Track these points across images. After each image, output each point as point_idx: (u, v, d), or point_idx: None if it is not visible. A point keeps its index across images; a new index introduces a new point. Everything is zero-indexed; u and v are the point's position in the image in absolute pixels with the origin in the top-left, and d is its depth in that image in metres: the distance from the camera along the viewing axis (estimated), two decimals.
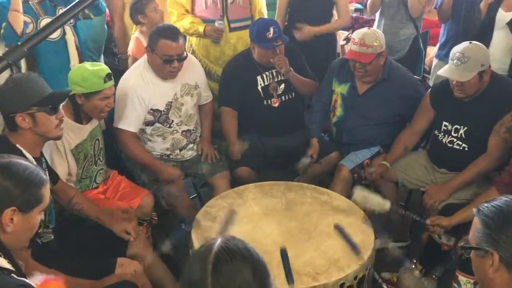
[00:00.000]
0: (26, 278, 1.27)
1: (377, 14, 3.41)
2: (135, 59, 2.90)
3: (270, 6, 3.33)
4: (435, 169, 2.58)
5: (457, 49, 2.28)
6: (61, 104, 2.00)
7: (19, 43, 1.83)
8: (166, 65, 2.47)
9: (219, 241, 1.08)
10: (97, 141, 2.38)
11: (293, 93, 2.91)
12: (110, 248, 2.07)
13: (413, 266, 2.49)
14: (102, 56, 3.68)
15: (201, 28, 2.91)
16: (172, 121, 2.64)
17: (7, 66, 1.76)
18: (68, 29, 2.67)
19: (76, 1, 1.35)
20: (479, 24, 2.92)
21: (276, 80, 2.86)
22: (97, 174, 2.41)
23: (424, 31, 3.69)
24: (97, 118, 2.33)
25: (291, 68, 2.78)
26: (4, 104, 1.86)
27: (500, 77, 2.42)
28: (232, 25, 3.00)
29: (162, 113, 2.60)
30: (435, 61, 3.40)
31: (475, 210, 1.25)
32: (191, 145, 2.77)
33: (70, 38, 2.67)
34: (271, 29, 2.67)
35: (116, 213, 2.21)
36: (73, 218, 2.17)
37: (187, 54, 2.60)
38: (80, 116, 2.26)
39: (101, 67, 2.22)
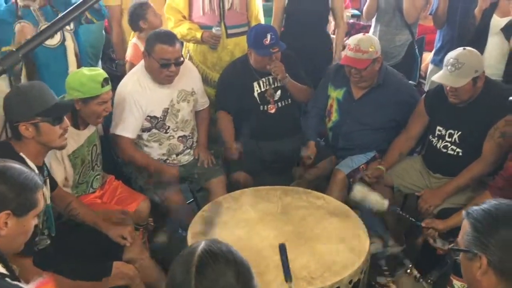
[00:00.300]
0: (20, 282, 1.28)
1: (373, 20, 3.44)
2: (132, 65, 2.91)
3: (267, 12, 3.36)
4: (430, 174, 2.60)
5: (451, 55, 2.30)
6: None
7: (13, 49, 1.83)
8: (163, 69, 2.49)
9: (202, 244, 1.10)
10: (94, 147, 2.40)
11: (289, 99, 2.93)
12: (106, 253, 2.08)
13: (409, 270, 2.50)
14: (100, 62, 3.70)
15: (198, 34, 2.94)
16: (169, 127, 2.66)
17: (1, 72, 1.76)
18: (68, 35, 2.68)
19: (71, 7, 1.36)
20: (474, 30, 2.95)
21: (272, 86, 2.88)
22: (94, 179, 2.43)
23: (420, 37, 3.72)
24: (94, 124, 2.34)
25: (287, 75, 2.80)
26: (8, 113, 1.88)
27: (494, 83, 2.45)
28: (230, 31, 3.02)
29: (159, 119, 2.62)
30: (430, 66, 3.43)
31: (464, 213, 1.26)
32: (187, 150, 2.78)
33: (70, 44, 2.68)
34: (268, 36, 2.69)
35: (113, 217, 2.22)
36: (70, 223, 2.17)
37: (183, 59, 2.62)
38: (77, 122, 2.27)
39: (99, 72, 2.23)
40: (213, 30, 2.90)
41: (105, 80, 2.22)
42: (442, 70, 2.34)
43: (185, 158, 2.78)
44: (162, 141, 2.68)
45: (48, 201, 1.94)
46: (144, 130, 2.63)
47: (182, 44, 3.11)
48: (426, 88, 3.40)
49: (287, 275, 1.83)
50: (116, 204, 2.41)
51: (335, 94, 2.79)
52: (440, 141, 2.49)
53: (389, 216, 2.67)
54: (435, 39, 3.45)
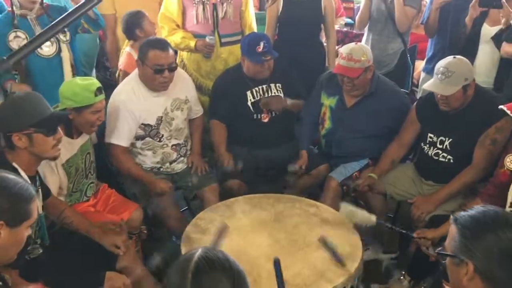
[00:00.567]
0: None
1: (366, 29, 3.47)
2: (126, 74, 2.92)
3: (260, 20, 3.39)
4: (422, 181, 2.62)
5: (441, 64, 2.33)
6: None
7: (4, 57, 1.82)
8: (157, 76, 2.50)
9: (199, 251, 1.10)
10: (88, 155, 2.40)
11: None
12: (99, 262, 2.07)
13: (402, 277, 2.51)
14: (94, 70, 3.71)
15: (192, 43, 2.96)
16: (162, 135, 2.66)
17: None
18: (64, 46, 2.68)
19: (62, 16, 1.36)
20: (465, 38, 2.97)
21: (266, 95, 2.89)
22: (88, 187, 2.42)
23: (412, 45, 3.76)
24: (88, 132, 2.34)
25: (285, 100, 2.85)
26: (2, 123, 1.86)
27: (485, 91, 2.48)
28: (223, 40, 3.05)
29: (153, 127, 2.63)
30: (422, 74, 3.45)
31: (452, 218, 1.26)
32: (181, 158, 2.79)
33: (66, 55, 2.68)
34: (262, 44, 2.71)
35: (107, 226, 2.22)
36: (63, 232, 2.17)
37: (177, 65, 2.63)
38: (71, 131, 2.28)
39: (92, 81, 2.24)
40: (207, 39, 2.92)
41: (98, 89, 2.22)
42: (433, 79, 2.36)
43: (179, 166, 2.79)
44: (156, 149, 2.68)
45: (40, 211, 1.93)
46: (138, 138, 2.64)
47: (176, 52, 3.14)
48: (418, 96, 3.42)
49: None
50: (109, 213, 2.41)
51: (328, 102, 2.81)
52: (432, 148, 2.51)
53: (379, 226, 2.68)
54: (427, 47, 3.49)
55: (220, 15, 2.98)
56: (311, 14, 3.20)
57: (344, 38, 4.35)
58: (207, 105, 3.02)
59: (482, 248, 1.15)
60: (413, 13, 3.27)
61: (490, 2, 2.83)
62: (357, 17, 3.50)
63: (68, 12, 1.35)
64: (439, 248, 1.31)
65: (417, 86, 3.75)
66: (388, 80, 2.82)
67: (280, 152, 2.94)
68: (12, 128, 1.83)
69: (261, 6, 4.47)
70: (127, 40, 3.20)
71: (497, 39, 2.83)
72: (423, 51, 3.69)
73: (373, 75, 2.68)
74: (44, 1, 2.63)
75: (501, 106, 1.93)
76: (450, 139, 2.43)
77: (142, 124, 2.60)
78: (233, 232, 2.19)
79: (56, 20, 1.29)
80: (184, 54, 3.14)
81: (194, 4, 2.95)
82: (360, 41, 3.47)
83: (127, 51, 3.12)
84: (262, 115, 2.90)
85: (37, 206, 1.45)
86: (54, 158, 1.98)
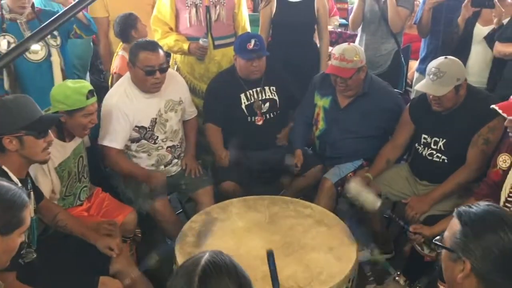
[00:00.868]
0: None
1: (359, 30, 3.48)
2: (120, 77, 2.91)
3: (254, 22, 3.39)
4: (417, 181, 2.62)
5: (433, 64, 2.33)
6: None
7: None
8: (149, 77, 2.49)
9: (207, 255, 1.10)
10: (80, 158, 2.39)
11: (278, 111, 2.95)
12: (93, 265, 2.06)
13: (397, 277, 2.51)
14: (88, 73, 3.70)
15: (185, 46, 2.95)
16: (157, 137, 2.66)
17: None
18: (54, 51, 2.67)
19: (50, 20, 1.35)
20: (458, 38, 2.99)
21: (260, 98, 2.89)
22: (81, 191, 2.42)
23: (406, 45, 3.77)
24: (80, 136, 2.33)
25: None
26: None
27: (477, 90, 2.48)
28: (217, 42, 3.05)
29: (148, 129, 2.62)
30: (416, 74, 3.46)
31: (456, 212, 1.23)
32: (175, 161, 2.78)
33: (56, 60, 2.67)
34: (253, 41, 2.72)
35: (101, 227, 2.21)
36: (56, 236, 2.16)
37: (168, 66, 2.62)
38: (63, 134, 2.27)
39: (83, 84, 2.23)
40: (200, 42, 2.92)
41: (90, 92, 2.21)
42: (425, 79, 2.37)
43: (173, 169, 2.78)
44: (151, 152, 2.68)
45: (33, 214, 1.92)
46: (133, 140, 2.63)
47: (169, 55, 3.13)
48: (412, 96, 3.43)
49: (275, 285, 1.82)
50: (103, 217, 2.39)
51: (322, 102, 2.82)
52: (426, 148, 2.51)
53: (377, 224, 2.69)
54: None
55: (213, 17, 2.98)
56: (305, 15, 3.20)
57: (338, 38, 4.36)
58: (201, 108, 3.02)
59: (482, 249, 1.14)
60: (406, 13, 3.28)
61: (483, 2, 2.84)
62: (350, 18, 3.50)
63: (56, 15, 1.34)
64: (437, 238, 1.29)
65: (411, 86, 3.76)
66: (381, 80, 2.82)
67: (275, 154, 2.93)
68: (3, 130, 1.81)
69: (254, 8, 4.48)
70: (120, 43, 3.19)
71: (490, 39, 2.85)
72: (417, 51, 3.70)
73: (366, 75, 2.68)
74: (36, 6, 2.62)
75: (493, 106, 1.93)
76: (444, 140, 2.44)
77: (136, 126, 2.59)
78: (227, 234, 2.19)
79: (44, 23, 1.28)
80: (177, 57, 3.14)
81: (187, 7, 2.95)
82: (354, 41, 3.48)
83: (120, 54, 3.11)
84: (256, 117, 2.90)
85: (29, 212, 1.43)
86: (44, 162, 1.97)
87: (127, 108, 2.54)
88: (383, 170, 2.67)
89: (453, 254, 1.20)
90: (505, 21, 2.77)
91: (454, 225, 1.22)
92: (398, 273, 2.53)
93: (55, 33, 2.65)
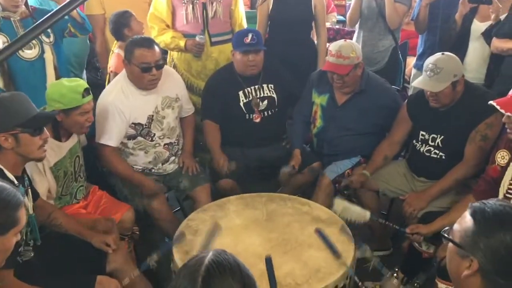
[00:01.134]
0: None
1: (357, 26, 3.47)
2: (116, 75, 2.90)
3: (251, 19, 3.37)
4: (415, 177, 2.62)
5: (430, 61, 2.33)
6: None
7: None
8: (145, 74, 2.48)
9: (210, 254, 1.09)
10: (77, 158, 2.38)
11: (276, 108, 2.94)
12: (90, 264, 2.06)
13: (395, 274, 2.51)
14: (84, 71, 3.69)
15: (182, 43, 2.94)
16: (154, 134, 2.65)
17: None
18: (47, 48, 2.65)
19: (43, 18, 1.34)
20: (455, 35, 2.98)
21: (258, 96, 2.89)
22: (77, 190, 2.41)
23: (404, 41, 3.76)
24: (78, 133, 2.33)
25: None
26: None
27: (475, 87, 2.47)
28: (213, 39, 3.03)
29: (144, 126, 2.61)
30: (413, 71, 3.46)
31: (470, 209, 1.20)
32: (173, 158, 2.77)
33: (49, 57, 2.65)
34: (250, 35, 2.71)
35: (98, 223, 2.20)
36: (53, 235, 2.15)
37: (164, 62, 2.61)
38: (59, 133, 2.26)
39: (79, 83, 2.22)
40: (197, 38, 2.91)
41: (86, 90, 2.20)
42: (422, 76, 2.36)
43: (171, 167, 2.77)
44: (148, 149, 2.67)
45: (31, 211, 1.92)
46: (129, 137, 2.62)
47: (166, 52, 3.12)
48: (410, 92, 3.43)
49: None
50: (100, 214, 2.39)
51: (319, 100, 2.81)
52: (424, 145, 2.51)
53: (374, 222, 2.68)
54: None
55: (210, 14, 2.96)
56: (302, 12, 3.18)
57: (336, 35, 4.35)
58: (198, 105, 3.01)
59: (492, 249, 1.13)
60: (403, 9, 3.27)
61: None
62: (348, 15, 3.50)
63: (50, 13, 1.33)
64: (446, 229, 1.26)
65: (409, 83, 3.76)
66: (378, 77, 2.82)
67: (272, 151, 2.93)
68: None
69: (252, 5, 4.47)
70: (116, 41, 3.18)
71: (487, 35, 2.84)
72: (415, 48, 3.69)
73: (363, 72, 2.67)
74: (30, 4, 2.60)
75: (490, 102, 1.92)
76: (442, 136, 2.43)
77: (133, 123, 2.58)
78: (225, 232, 2.18)
79: (38, 21, 1.27)
80: (174, 54, 3.13)
81: (184, 4, 2.93)
82: (352, 38, 3.47)
83: (116, 52, 3.10)
84: (254, 115, 2.89)
85: (25, 212, 1.42)
86: (40, 159, 1.96)
87: (123, 105, 2.52)
88: (380, 167, 2.67)
89: (461, 251, 1.18)
90: (502, 17, 2.76)
91: (466, 221, 1.19)
92: (396, 269, 2.53)
93: (49, 30, 2.63)
